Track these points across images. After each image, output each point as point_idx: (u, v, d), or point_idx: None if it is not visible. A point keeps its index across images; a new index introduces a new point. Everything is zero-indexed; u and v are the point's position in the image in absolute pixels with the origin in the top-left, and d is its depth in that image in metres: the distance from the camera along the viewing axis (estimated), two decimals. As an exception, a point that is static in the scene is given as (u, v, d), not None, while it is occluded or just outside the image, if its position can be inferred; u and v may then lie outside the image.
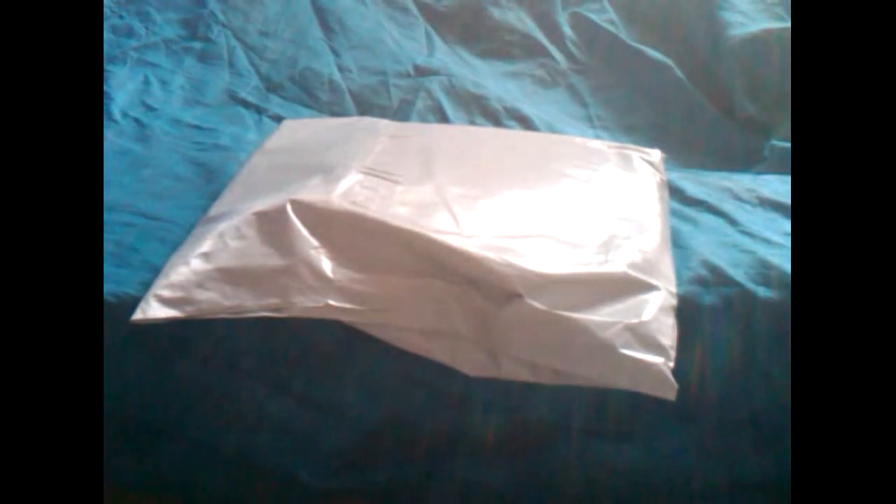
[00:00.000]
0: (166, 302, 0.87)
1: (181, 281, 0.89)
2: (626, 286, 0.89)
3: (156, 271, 0.92)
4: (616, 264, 0.91)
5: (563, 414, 0.91)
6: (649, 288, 0.89)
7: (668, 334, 0.87)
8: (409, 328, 0.86)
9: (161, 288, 0.88)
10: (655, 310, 0.88)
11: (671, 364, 0.85)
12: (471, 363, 0.87)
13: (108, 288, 0.88)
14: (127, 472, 0.96)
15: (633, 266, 0.91)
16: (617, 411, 0.93)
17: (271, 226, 0.95)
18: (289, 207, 0.95)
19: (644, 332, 0.86)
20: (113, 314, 0.87)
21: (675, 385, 0.84)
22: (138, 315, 0.86)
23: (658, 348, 0.85)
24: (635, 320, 0.86)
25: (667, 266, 0.94)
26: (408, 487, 0.97)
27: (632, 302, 0.88)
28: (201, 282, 0.89)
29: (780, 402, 0.91)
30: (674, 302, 0.90)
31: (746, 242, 0.97)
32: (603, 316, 0.86)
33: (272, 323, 0.88)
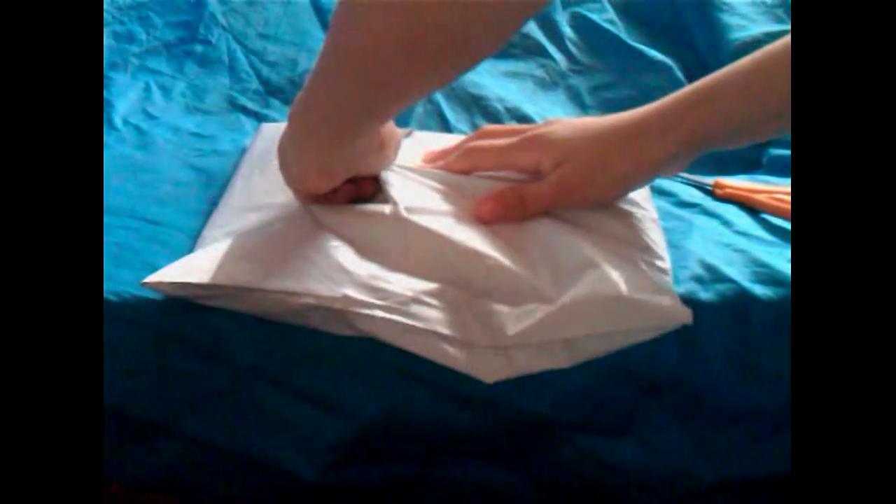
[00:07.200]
0: (179, 269, 0.87)
1: (197, 255, 0.90)
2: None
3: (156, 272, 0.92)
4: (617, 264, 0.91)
5: (561, 411, 0.92)
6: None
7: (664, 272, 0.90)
8: (424, 330, 0.85)
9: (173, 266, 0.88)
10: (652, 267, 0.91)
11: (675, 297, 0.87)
12: (487, 371, 0.86)
13: (109, 287, 0.89)
14: (126, 470, 0.96)
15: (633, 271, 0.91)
16: (615, 409, 0.93)
17: (291, 221, 0.96)
18: (309, 204, 0.95)
19: (647, 280, 0.87)
20: (113, 313, 0.87)
21: (689, 311, 0.86)
22: (152, 279, 0.86)
23: (662, 290, 0.87)
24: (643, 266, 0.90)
25: (661, 248, 0.95)
26: (406, 484, 0.97)
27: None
28: (217, 258, 0.88)
29: (780, 399, 0.91)
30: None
31: (741, 242, 0.98)
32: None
33: (271, 320, 0.89)
